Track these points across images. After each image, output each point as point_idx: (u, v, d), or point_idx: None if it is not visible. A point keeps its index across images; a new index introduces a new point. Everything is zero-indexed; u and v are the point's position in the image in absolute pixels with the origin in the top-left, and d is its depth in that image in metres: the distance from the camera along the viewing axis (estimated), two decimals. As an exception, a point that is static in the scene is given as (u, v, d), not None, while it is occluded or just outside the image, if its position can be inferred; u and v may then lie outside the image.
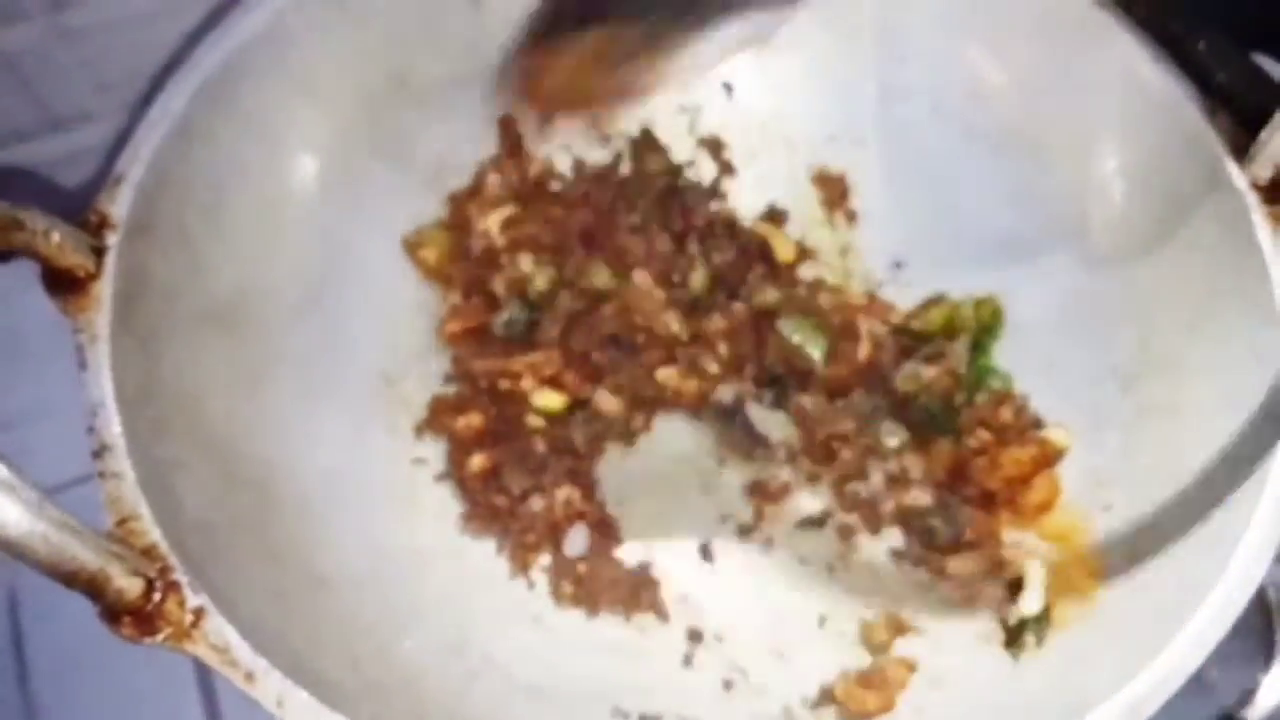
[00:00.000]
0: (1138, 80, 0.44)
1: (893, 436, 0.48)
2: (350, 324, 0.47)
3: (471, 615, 0.42)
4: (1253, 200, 0.40)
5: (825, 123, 0.54)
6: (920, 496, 0.46)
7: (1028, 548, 0.43)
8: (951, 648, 0.42)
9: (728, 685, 0.43)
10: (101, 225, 0.39)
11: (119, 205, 0.39)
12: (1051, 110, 0.49)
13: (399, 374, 0.48)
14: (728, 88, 0.54)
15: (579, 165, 0.53)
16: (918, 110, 0.53)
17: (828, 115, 0.54)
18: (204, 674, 0.47)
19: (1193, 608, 0.34)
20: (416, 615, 0.42)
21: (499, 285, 0.50)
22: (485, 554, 0.45)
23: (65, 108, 0.52)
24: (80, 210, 0.39)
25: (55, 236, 0.37)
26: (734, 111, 0.55)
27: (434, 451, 0.47)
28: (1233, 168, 0.41)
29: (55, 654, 0.47)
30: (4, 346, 0.52)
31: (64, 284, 0.38)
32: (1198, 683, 0.34)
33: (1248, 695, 0.45)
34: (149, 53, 0.52)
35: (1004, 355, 0.49)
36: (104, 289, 0.38)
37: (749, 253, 0.52)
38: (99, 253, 0.39)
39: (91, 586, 0.31)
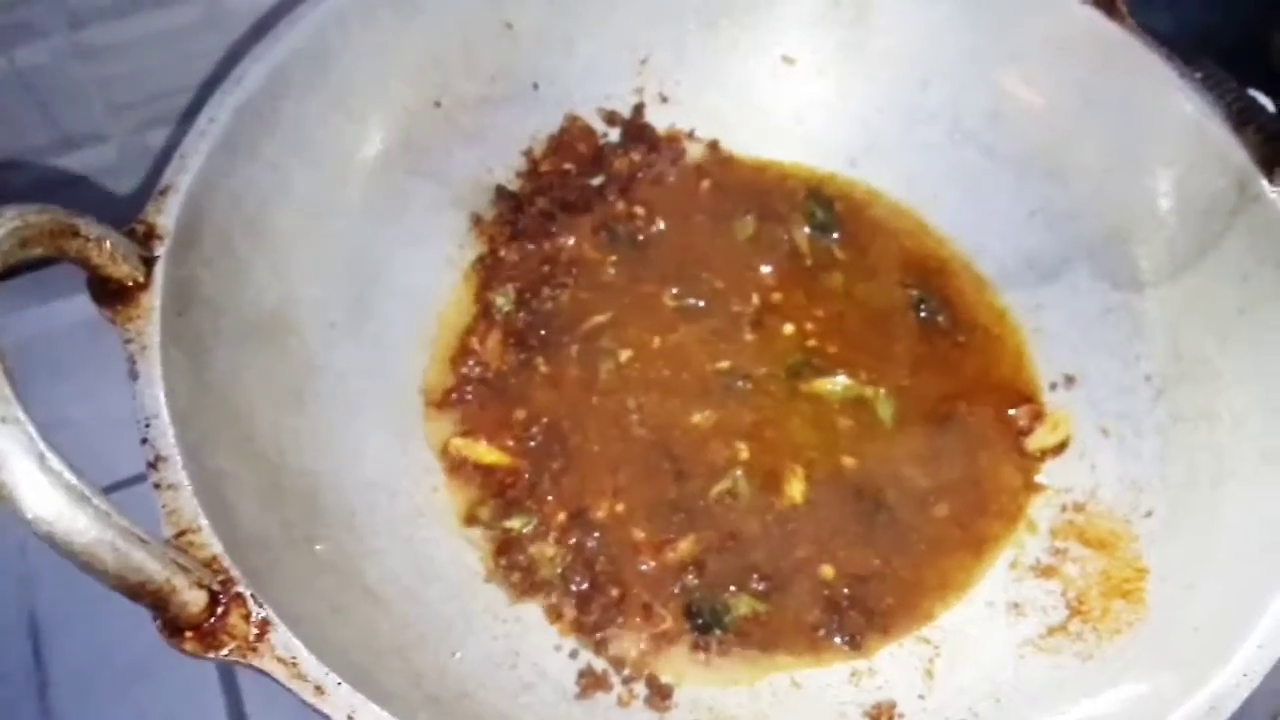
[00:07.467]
0: (1165, 100, 0.46)
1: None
2: (389, 339, 0.47)
3: (521, 629, 0.42)
4: (1284, 209, 0.42)
5: (848, 145, 0.56)
6: None
7: (1074, 556, 0.43)
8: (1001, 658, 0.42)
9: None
10: (149, 235, 0.39)
11: (166, 216, 0.39)
12: (1075, 131, 0.50)
13: (436, 388, 0.48)
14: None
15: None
16: (939, 132, 0.54)
17: (851, 138, 0.56)
18: (233, 698, 0.46)
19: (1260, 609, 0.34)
20: (466, 629, 0.41)
21: None
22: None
23: (78, 127, 0.52)
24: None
25: (107, 245, 0.36)
26: (762, 132, 0.56)
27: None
28: (1262, 180, 0.42)
29: (76, 678, 0.46)
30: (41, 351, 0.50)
31: (111, 293, 0.37)
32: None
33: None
34: (164, 75, 0.52)
35: (1034, 365, 0.50)
36: (153, 299, 0.37)
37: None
38: (147, 263, 0.38)
39: (156, 599, 0.30)
